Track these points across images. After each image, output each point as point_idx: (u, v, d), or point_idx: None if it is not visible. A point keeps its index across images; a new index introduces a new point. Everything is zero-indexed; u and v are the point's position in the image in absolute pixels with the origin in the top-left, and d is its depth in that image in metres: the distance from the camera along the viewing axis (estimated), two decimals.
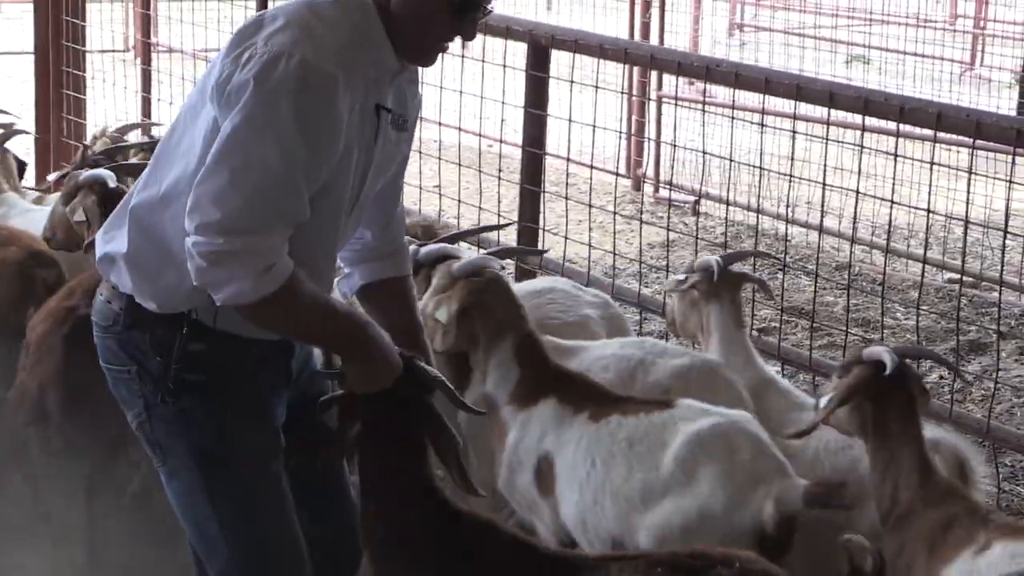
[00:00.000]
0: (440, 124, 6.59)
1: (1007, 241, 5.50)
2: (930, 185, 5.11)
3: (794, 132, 5.20)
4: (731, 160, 5.28)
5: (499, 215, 5.81)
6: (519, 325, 3.90)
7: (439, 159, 6.32)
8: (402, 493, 3.08)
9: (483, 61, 5.37)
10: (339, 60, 2.81)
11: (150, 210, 2.96)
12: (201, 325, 2.96)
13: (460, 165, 5.88)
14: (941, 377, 6.51)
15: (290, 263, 2.80)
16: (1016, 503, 5.31)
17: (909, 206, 5.76)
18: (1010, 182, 5.69)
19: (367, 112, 2.93)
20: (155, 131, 6.57)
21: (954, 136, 5.81)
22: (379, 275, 3.31)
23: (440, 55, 3.06)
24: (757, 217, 7.32)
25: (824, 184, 5.14)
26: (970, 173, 4.76)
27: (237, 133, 2.75)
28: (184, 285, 2.88)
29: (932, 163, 5.05)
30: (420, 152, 6.16)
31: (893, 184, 5.57)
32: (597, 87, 5.33)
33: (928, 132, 4.98)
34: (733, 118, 5.92)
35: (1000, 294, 6.61)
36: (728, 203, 5.94)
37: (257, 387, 3.06)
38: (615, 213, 5.93)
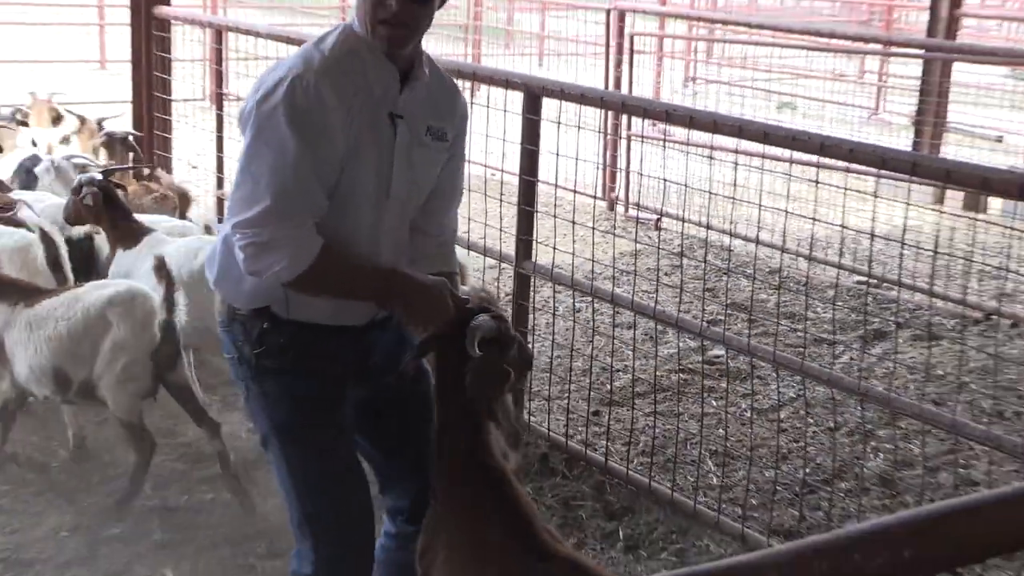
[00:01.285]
0: None
1: (903, 250, 5.50)
2: (844, 206, 5.10)
3: (736, 164, 5.20)
4: (686, 186, 5.27)
5: (500, 230, 5.79)
6: None
7: None
8: (448, 427, 2.87)
9: (487, 107, 5.36)
10: (325, 70, 2.70)
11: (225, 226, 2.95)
12: (277, 317, 2.89)
13: (469, 190, 5.86)
14: (851, 359, 6.51)
15: (319, 240, 2.71)
16: (908, 457, 5.32)
17: (827, 223, 5.75)
18: (907, 204, 5.69)
19: (379, 119, 2.81)
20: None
21: (863, 167, 5.81)
22: (428, 270, 2.99)
23: (400, 40, 2.78)
24: (706, 232, 7.32)
25: (760, 205, 5.13)
26: (875, 197, 4.75)
27: (250, 148, 2.72)
28: (246, 280, 2.84)
29: (845, 189, 5.04)
30: None
31: (815, 205, 5.57)
32: (579, 127, 5.33)
33: (842, 164, 4.98)
34: (688, 152, 5.90)
35: (898, 292, 6.62)
36: (684, 220, 5.94)
37: (323, 375, 2.94)
38: (593, 228, 5.91)
